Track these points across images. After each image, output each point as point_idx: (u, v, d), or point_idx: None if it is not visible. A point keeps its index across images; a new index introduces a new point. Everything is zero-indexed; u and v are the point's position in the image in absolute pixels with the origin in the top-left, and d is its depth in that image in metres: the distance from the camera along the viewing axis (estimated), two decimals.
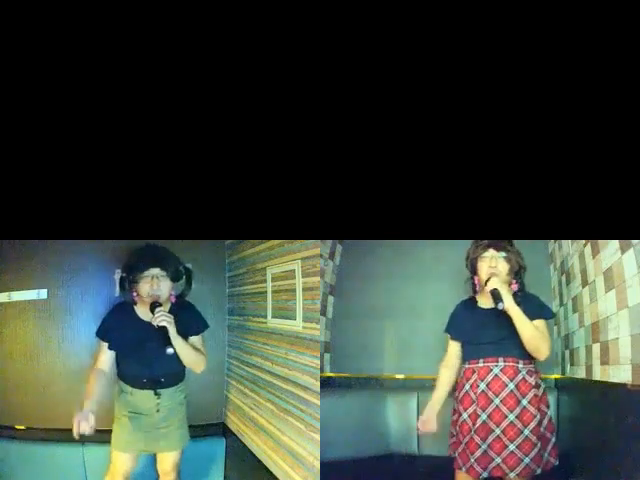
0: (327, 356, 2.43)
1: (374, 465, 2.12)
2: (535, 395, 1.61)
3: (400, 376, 2.34)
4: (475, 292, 1.75)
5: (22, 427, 2.20)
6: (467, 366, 1.70)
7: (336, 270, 2.53)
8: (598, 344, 1.60)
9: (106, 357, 1.86)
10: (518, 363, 1.62)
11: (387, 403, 2.21)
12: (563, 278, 2.10)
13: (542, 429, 1.61)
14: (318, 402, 1.54)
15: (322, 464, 1.52)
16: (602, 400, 1.53)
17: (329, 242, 2.41)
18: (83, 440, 2.11)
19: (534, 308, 1.63)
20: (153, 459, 2.02)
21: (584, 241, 1.75)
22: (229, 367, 2.50)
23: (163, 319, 1.71)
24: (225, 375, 2.53)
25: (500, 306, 1.55)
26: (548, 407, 1.66)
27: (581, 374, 1.80)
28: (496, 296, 1.57)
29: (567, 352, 2.04)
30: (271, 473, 1.87)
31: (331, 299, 2.48)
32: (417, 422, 1.74)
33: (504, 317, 1.60)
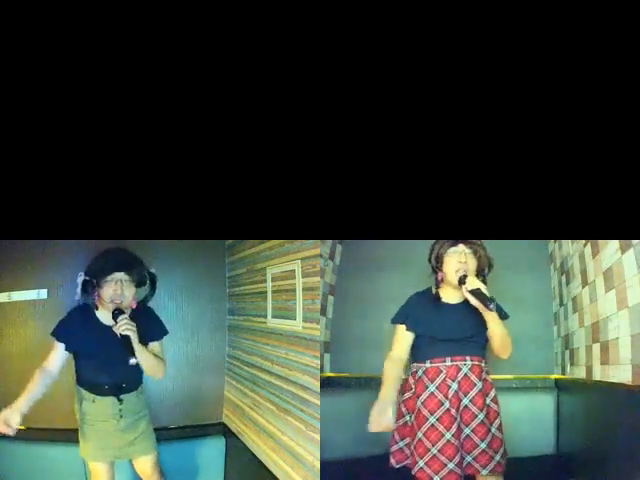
0: (327, 356, 2.42)
1: (374, 465, 2.11)
2: (495, 394, 1.62)
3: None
4: (437, 287, 1.67)
5: (22, 427, 2.20)
6: (429, 365, 1.61)
7: (336, 270, 2.52)
8: (598, 344, 1.60)
9: (57, 357, 1.78)
10: (481, 362, 1.61)
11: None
12: (563, 278, 2.10)
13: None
14: (318, 402, 1.54)
15: (322, 464, 1.52)
16: (602, 400, 1.54)
17: (329, 242, 2.41)
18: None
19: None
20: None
21: (584, 241, 1.75)
22: (229, 367, 2.50)
23: (126, 328, 1.66)
24: (225, 375, 2.53)
25: (492, 307, 1.49)
26: (499, 408, 1.65)
27: (581, 374, 1.80)
28: (481, 296, 1.51)
29: (567, 352, 2.04)
30: (271, 473, 1.87)
31: (331, 299, 2.48)
32: (371, 423, 1.48)
33: (470, 314, 1.57)
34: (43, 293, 2.27)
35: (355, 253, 2.53)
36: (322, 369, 2.31)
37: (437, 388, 1.59)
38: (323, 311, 2.37)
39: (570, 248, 1.97)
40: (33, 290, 2.27)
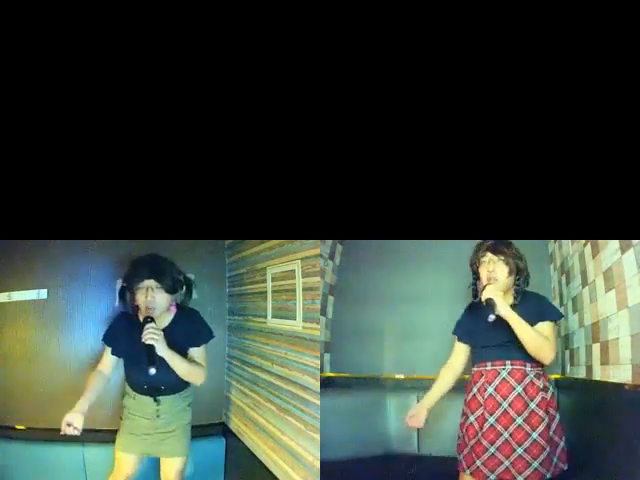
0: (327, 356, 2.43)
1: (374, 465, 2.12)
2: (543, 398, 1.60)
3: (400, 376, 2.34)
4: (476, 296, 1.73)
5: (22, 427, 2.20)
6: (475, 369, 1.70)
7: (336, 270, 2.52)
8: (598, 344, 1.60)
9: (107, 360, 1.89)
10: (525, 366, 1.61)
11: (387, 403, 2.21)
12: (563, 278, 2.10)
13: (551, 433, 1.59)
14: (318, 402, 1.54)
15: (322, 464, 1.52)
16: (602, 400, 1.53)
17: (329, 242, 2.41)
18: (83, 440, 2.13)
19: (536, 310, 1.62)
20: (157, 465, 2.02)
21: (584, 241, 1.75)
22: (229, 367, 2.50)
23: (150, 337, 1.68)
24: (225, 375, 2.53)
25: (490, 318, 1.53)
26: (557, 411, 1.64)
27: (581, 374, 1.80)
28: (490, 306, 1.56)
29: (567, 352, 2.04)
30: (271, 473, 1.86)
31: (331, 299, 2.48)
32: (406, 416, 1.73)
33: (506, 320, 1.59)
34: (43, 293, 2.27)
35: (355, 253, 2.54)
36: (322, 369, 2.31)
37: (478, 390, 1.65)
38: (323, 311, 2.37)
39: (570, 248, 1.97)
40: (33, 290, 2.27)
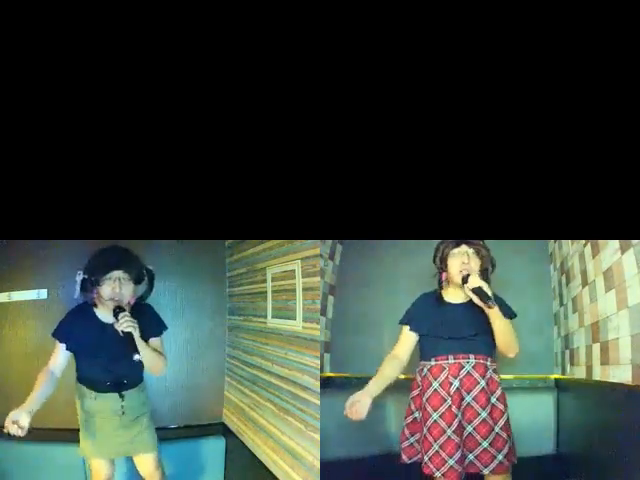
0: (327, 356, 2.43)
1: (374, 465, 2.12)
2: (502, 393, 1.62)
3: (400, 376, 2.34)
4: (441, 287, 1.70)
5: None
6: (433, 363, 1.64)
7: (336, 270, 2.52)
8: (598, 344, 1.60)
9: (60, 358, 1.79)
10: (487, 360, 1.62)
11: (387, 403, 2.20)
12: (563, 278, 2.10)
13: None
14: (318, 402, 1.54)
15: (322, 464, 1.52)
16: (602, 400, 1.54)
17: (329, 242, 2.41)
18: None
19: (501, 307, 1.60)
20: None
21: (584, 241, 1.75)
22: (229, 367, 2.50)
23: (128, 325, 1.66)
24: (225, 375, 2.53)
25: (491, 303, 1.51)
26: (507, 407, 1.65)
27: (581, 374, 1.80)
28: (482, 294, 1.53)
29: (567, 352, 2.04)
30: (271, 473, 1.87)
31: (331, 299, 2.48)
32: (346, 407, 1.52)
33: (474, 313, 1.59)
34: (43, 293, 2.28)
35: (355, 253, 2.54)
36: (322, 369, 2.31)
37: (440, 385, 1.61)
38: (323, 311, 2.37)
39: (570, 248, 1.97)
40: (33, 290, 2.27)
